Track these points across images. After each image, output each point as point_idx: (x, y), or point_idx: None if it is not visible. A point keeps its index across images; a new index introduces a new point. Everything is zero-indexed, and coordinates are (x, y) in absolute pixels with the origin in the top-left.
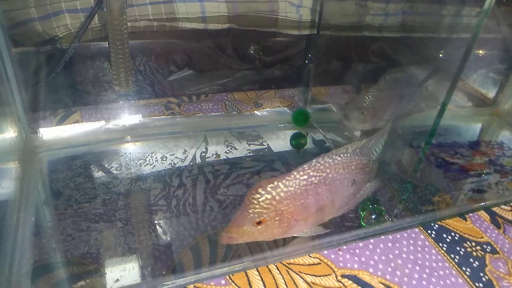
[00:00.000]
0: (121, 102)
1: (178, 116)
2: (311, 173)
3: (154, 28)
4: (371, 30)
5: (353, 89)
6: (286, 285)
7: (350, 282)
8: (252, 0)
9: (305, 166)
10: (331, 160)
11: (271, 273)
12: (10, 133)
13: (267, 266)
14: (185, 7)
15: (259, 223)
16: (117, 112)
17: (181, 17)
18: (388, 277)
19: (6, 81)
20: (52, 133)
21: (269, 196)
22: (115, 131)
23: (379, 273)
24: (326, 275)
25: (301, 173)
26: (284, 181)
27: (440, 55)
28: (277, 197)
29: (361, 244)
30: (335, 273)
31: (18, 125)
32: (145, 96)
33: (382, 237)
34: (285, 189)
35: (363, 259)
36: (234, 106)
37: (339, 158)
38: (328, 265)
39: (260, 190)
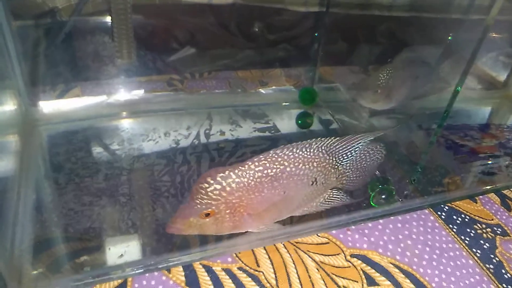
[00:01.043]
0: (122, 77)
1: (181, 93)
2: (267, 165)
3: (157, 1)
4: (380, 9)
5: (361, 69)
6: (294, 264)
7: (359, 261)
8: None
9: (261, 156)
10: (290, 153)
11: (279, 252)
12: (10, 106)
13: (274, 245)
14: None
15: (207, 215)
16: (118, 87)
17: None
18: (397, 257)
19: (6, 54)
20: (52, 106)
21: (218, 187)
22: (116, 106)
23: (389, 254)
24: (335, 255)
25: (257, 163)
26: (236, 171)
27: (449, 38)
28: (228, 188)
29: (370, 225)
30: (344, 253)
31: (18, 98)
32: (146, 72)
33: (392, 218)
34: (237, 180)
35: (372, 239)
36: (239, 84)
37: (300, 152)
38: (336, 245)
39: (209, 180)
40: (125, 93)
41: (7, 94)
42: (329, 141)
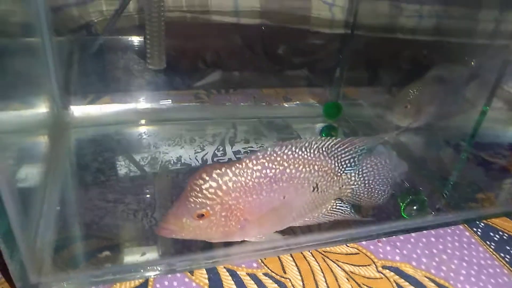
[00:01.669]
0: (151, 88)
1: (207, 104)
2: (266, 164)
3: (187, 19)
4: (404, 32)
5: (385, 90)
6: (322, 272)
7: (392, 273)
8: None
9: (258, 154)
10: (290, 153)
11: (306, 259)
12: (43, 109)
13: (301, 252)
14: (219, 1)
15: (201, 216)
16: (146, 96)
17: (214, 10)
18: (433, 271)
19: (45, 63)
20: (83, 111)
21: (214, 184)
22: (144, 113)
23: (423, 267)
24: (365, 265)
25: (254, 161)
26: (233, 169)
27: (472, 63)
28: (224, 187)
29: (401, 238)
30: (375, 264)
31: (51, 102)
32: (174, 86)
33: (424, 231)
34: (234, 179)
35: (404, 252)
36: (263, 99)
37: (300, 152)
38: (367, 256)
39: (204, 176)
40: (153, 102)
41: (41, 98)
42: (330, 142)
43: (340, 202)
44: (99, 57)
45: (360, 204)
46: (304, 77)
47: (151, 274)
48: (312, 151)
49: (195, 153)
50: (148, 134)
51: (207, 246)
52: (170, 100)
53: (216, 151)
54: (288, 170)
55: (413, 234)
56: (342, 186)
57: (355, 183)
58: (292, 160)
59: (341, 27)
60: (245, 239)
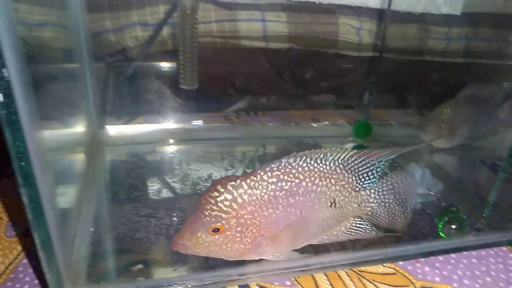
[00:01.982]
0: (183, 109)
1: (237, 124)
2: (281, 176)
3: (218, 44)
4: (433, 55)
5: (415, 112)
6: None
7: None
8: (313, 22)
9: (272, 165)
10: (304, 164)
11: (341, 279)
12: (80, 127)
13: (335, 271)
14: (248, 26)
15: (216, 230)
16: (178, 117)
17: (243, 35)
18: None
19: (84, 83)
20: (117, 130)
21: (229, 197)
22: (176, 133)
23: None
24: (404, 286)
25: (269, 173)
26: (248, 181)
27: (504, 85)
28: (239, 200)
29: (441, 258)
30: (414, 285)
31: (88, 120)
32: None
33: (464, 252)
34: (249, 191)
35: (444, 273)
36: (292, 120)
37: (315, 165)
38: (405, 276)
39: (219, 188)
40: (185, 122)
41: (79, 117)
42: (346, 153)
43: (360, 219)
44: (134, 80)
45: (381, 225)
46: (332, 100)
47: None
48: (328, 163)
49: (225, 170)
50: (180, 153)
51: (240, 262)
52: (202, 121)
53: (246, 169)
54: (304, 183)
55: (452, 255)
56: (361, 203)
57: (375, 201)
58: (308, 173)
59: (369, 50)
60: (262, 258)
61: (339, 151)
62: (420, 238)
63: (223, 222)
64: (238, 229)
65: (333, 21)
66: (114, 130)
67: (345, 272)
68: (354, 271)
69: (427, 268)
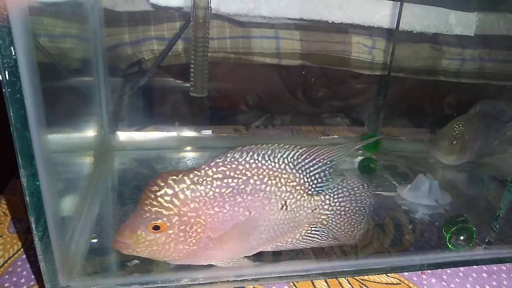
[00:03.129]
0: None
1: (246, 136)
2: (227, 172)
3: (231, 60)
4: (446, 75)
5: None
6: None
7: None
8: (325, 40)
9: (218, 160)
10: (252, 161)
11: (342, 286)
12: (92, 132)
13: (336, 278)
14: (262, 43)
15: (157, 228)
16: (188, 126)
17: (256, 52)
18: None
19: (97, 91)
20: (127, 136)
21: (170, 192)
22: (185, 141)
23: None
24: None
25: (214, 169)
26: (191, 176)
27: None
28: (181, 196)
29: (448, 271)
30: None
31: (99, 125)
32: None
33: (474, 267)
34: (192, 187)
35: (452, 285)
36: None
37: (263, 162)
38: (409, 287)
39: (159, 182)
40: (194, 131)
41: (91, 121)
42: (295, 151)
43: (315, 226)
44: (147, 91)
45: (337, 237)
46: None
47: (178, 285)
48: (276, 160)
49: None
50: (188, 159)
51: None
52: (210, 131)
53: None
54: (252, 181)
55: (461, 268)
56: (315, 209)
57: (330, 208)
58: (256, 170)
59: (381, 69)
60: (211, 263)
61: (287, 148)
62: (427, 249)
63: (164, 219)
64: (181, 227)
65: (346, 39)
66: (124, 136)
67: (347, 279)
68: (356, 279)
69: (433, 280)
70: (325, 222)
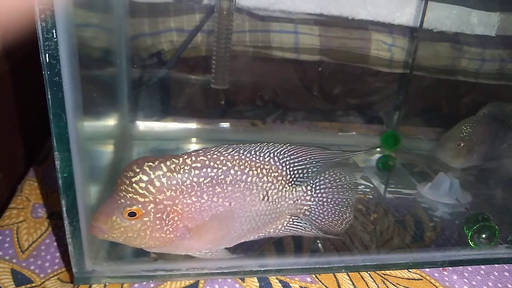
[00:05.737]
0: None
1: (263, 129)
2: (206, 162)
3: (249, 53)
4: (466, 75)
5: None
6: None
7: None
8: (344, 37)
9: (200, 151)
10: (234, 152)
11: (364, 280)
12: (113, 121)
13: (358, 272)
14: (280, 37)
15: (132, 215)
16: (207, 119)
17: (275, 46)
18: None
19: (120, 80)
20: (147, 126)
21: (145, 178)
22: (203, 132)
23: None
24: None
25: (193, 158)
26: (168, 163)
27: None
28: (157, 183)
29: (469, 268)
30: None
31: (121, 115)
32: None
33: (496, 265)
34: (169, 174)
35: (474, 283)
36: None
37: (247, 154)
38: (431, 283)
39: (134, 168)
40: (213, 124)
41: (113, 112)
42: (284, 148)
43: (297, 218)
44: (167, 82)
45: (320, 228)
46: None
47: (202, 275)
48: (262, 154)
49: None
50: None
51: (260, 253)
52: (228, 124)
53: None
54: (232, 172)
55: (482, 266)
56: (297, 200)
57: (312, 199)
58: (237, 161)
59: (400, 67)
60: (189, 253)
61: (276, 145)
62: (448, 245)
63: (139, 206)
64: (158, 215)
65: (366, 36)
66: (143, 125)
67: (369, 273)
68: (378, 274)
69: (454, 277)
70: (307, 213)
